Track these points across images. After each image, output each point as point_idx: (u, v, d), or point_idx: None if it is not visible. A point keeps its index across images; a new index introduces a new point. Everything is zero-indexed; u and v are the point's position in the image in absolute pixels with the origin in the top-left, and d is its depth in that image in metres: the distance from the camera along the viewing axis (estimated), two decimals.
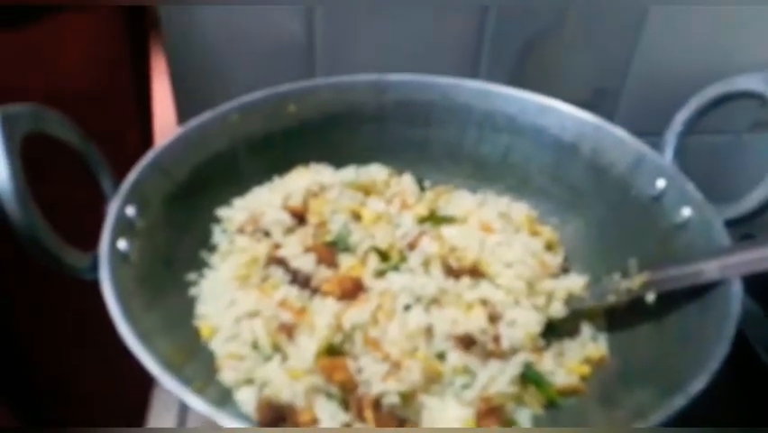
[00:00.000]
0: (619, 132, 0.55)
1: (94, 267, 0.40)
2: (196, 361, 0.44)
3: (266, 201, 0.55)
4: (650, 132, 0.56)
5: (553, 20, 0.66)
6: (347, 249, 0.52)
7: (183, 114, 0.66)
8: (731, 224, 0.46)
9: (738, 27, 0.68)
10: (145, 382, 0.47)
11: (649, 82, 0.71)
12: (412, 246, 0.52)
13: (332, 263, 0.51)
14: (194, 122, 0.53)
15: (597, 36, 0.68)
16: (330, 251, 0.52)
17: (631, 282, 0.47)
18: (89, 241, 0.42)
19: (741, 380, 0.49)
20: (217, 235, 0.54)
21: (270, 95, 0.57)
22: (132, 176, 0.46)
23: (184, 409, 0.50)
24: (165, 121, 0.69)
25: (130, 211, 0.45)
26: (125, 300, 0.39)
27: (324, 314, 0.46)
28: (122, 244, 0.43)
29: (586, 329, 0.49)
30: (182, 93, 0.65)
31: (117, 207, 0.44)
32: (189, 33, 0.62)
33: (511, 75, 0.68)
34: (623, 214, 0.53)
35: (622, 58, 0.69)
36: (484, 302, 0.47)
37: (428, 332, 0.46)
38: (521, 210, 0.57)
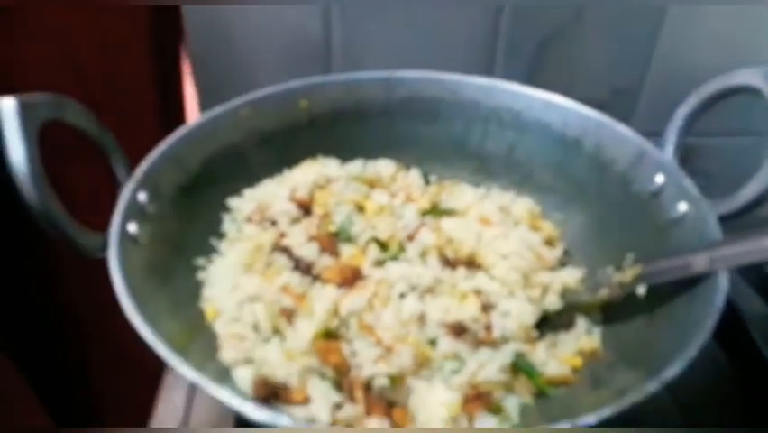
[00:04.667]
0: (621, 128, 0.55)
1: (104, 247, 0.43)
2: (198, 340, 0.46)
3: (274, 192, 0.57)
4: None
5: (568, 18, 0.66)
6: (349, 239, 0.54)
7: (206, 108, 0.69)
8: (726, 219, 0.46)
9: (760, 24, 0.67)
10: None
11: (668, 81, 0.70)
12: (411, 238, 0.53)
13: (333, 252, 0.53)
14: (206, 115, 0.55)
15: (614, 34, 0.67)
16: (332, 240, 0.54)
17: (623, 275, 0.47)
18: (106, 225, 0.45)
19: (735, 359, 0.50)
20: (227, 224, 0.56)
21: (282, 90, 0.59)
22: (144, 164, 0.49)
23: (192, 388, 0.53)
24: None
25: (141, 197, 0.48)
26: (133, 281, 0.41)
27: (323, 300, 0.48)
28: (132, 228, 0.45)
29: (581, 322, 0.50)
30: (205, 89, 0.68)
31: (129, 192, 0.47)
32: (212, 31, 0.64)
33: (527, 75, 0.69)
34: (623, 209, 0.54)
35: (640, 56, 0.69)
36: (478, 292, 0.48)
37: (421, 319, 0.47)
38: (525, 205, 0.58)
